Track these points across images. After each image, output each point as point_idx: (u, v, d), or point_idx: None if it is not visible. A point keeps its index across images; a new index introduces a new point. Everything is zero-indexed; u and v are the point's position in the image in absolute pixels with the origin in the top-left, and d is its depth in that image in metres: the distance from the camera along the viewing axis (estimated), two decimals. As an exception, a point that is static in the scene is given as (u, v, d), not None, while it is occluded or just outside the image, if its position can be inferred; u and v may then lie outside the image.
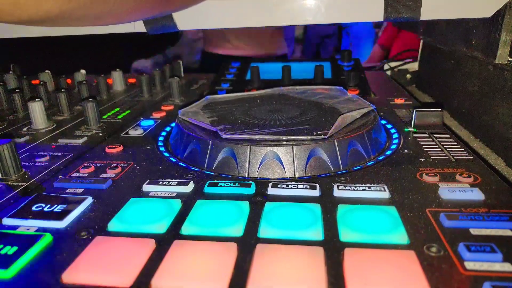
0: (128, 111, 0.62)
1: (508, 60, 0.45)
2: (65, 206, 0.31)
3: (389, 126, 0.49)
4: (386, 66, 0.95)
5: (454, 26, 0.57)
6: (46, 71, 0.80)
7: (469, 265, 0.23)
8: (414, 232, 0.27)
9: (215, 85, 0.74)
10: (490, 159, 0.48)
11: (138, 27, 0.53)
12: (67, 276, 0.24)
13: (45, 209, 0.31)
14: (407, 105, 0.58)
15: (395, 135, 0.46)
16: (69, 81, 0.83)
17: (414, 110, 0.47)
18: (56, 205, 0.32)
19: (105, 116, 0.59)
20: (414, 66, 0.91)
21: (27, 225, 0.29)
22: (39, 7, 0.29)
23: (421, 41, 0.84)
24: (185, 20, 0.53)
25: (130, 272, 0.24)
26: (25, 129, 0.54)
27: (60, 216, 0.30)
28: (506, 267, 0.23)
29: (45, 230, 0.29)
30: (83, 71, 0.84)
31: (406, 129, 0.47)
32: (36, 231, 0.29)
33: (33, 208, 0.31)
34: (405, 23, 0.86)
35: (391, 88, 0.71)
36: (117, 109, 0.63)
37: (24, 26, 0.57)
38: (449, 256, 0.24)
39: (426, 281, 0.22)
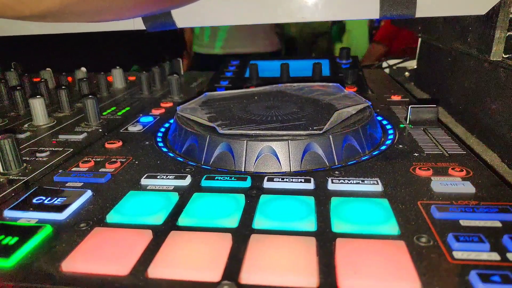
0: (127, 108, 0.63)
1: (503, 57, 0.46)
2: (64, 199, 0.32)
3: (385, 122, 0.49)
4: (384, 64, 0.96)
5: (451, 23, 0.58)
6: (47, 69, 0.81)
7: (457, 254, 0.24)
8: (405, 224, 0.27)
9: (214, 83, 0.75)
10: (486, 155, 0.48)
11: (137, 24, 0.53)
12: (66, 265, 0.24)
13: (45, 201, 0.32)
14: (404, 102, 0.59)
15: (391, 131, 0.46)
16: (70, 78, 0.84)
17: (409, 107, 0.48)
18: (56, 198, 0.32)
19: (105, 113, 0.60)
20: (412, 63, 0.91)
21: (28, 217, 0.30)
22: (41, 2, 0.30)
23: (419, 39, 0.84)
24: (184, 17, 0.54)
25: (127, 261, 0.24)
26: (26, 125, 0.55)
27: (60, 208, 0.31)
28: (493, 256, 0.23)
29: (45, 221, 0.29)
30: (83, 69, 0.84)
31: (401, 125, 0.48)
32: (36, 222, 0.30)
33: (34, 200, 0.32)
34: (403, 21, 0.87)
35: (389, 86, 0.72)
36: (115, 107, 0.64)
37: (24, 23, 0.58)
38: (438, 246, 0.25)
39: (415, 269, 0.22)
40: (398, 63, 0.94)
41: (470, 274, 0.22)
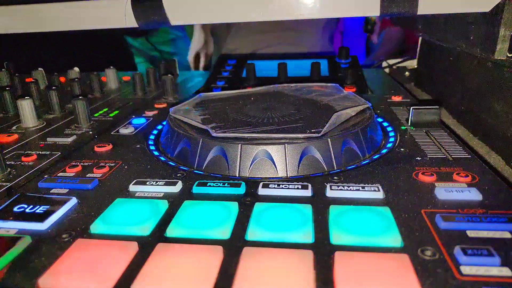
0: (120, 109, 0.61)
1: (507, 56, 0.44)
2: (47, 207, 0.30)
3: (385, 124, 0.48)
4: (384, 64, 0.94)
5: (453, 21, 0.56)
6: (39, 69, 0.79)
7: (465, 269, 0.22)
8: (408, 234, 0.25)
9: (211, 83, 0.73)
10: (489, 157, 0.47)
11: (129, 21, 0.51)
12: (44, 281, 0.22)
13: (27, 210, 0.30)
14: (405, 103, 0.57)
15: (392, 133, 0.44)
16: (62, 79, 0.82)
17: (411, 108, 0.46)
18: (38, 206, 0.31)
19: (96, 114, 0.58)
20: (413, 63, 0.89)
21: (7, 227, 0.28)
22: None
23: (420, 38, 0.82)
24: (178, 14, 0.52)
25: (110, 277, 0.22)
26: (14, 127, 0.53)
27: (41, 217, 0.29)
28: (504, 271, 0.22)
29: (25, 232, 0.28)
30: (76, 69, 0.82)
31: (403, 127, 0.46)
32: (16, 233, 0.28)
33: (15, 209, 0.30)
34: (403, 19, 0.85)
35: (389, 86, 0.70)
36: (107, 108, 0.62)
37: (14, 22, 0.56)
38: (444, 260, 0.23)
39: (420, 286, 0.21)
40: (398, 62, 0.92)
41: (480, 292, 0.20)
